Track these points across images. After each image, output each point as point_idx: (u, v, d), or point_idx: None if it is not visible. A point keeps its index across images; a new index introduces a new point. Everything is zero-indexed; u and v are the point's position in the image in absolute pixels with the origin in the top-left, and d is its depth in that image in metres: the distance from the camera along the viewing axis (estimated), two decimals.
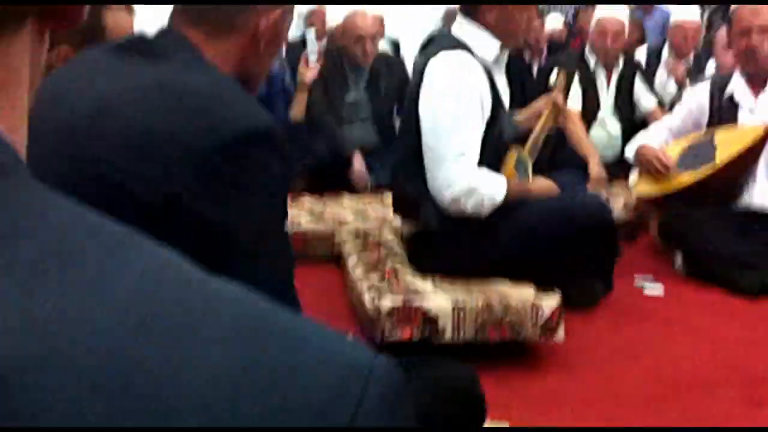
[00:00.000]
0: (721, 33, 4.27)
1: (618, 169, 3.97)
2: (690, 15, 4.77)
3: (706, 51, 4.87)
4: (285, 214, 1.14)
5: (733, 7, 3.16)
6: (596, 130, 4.36)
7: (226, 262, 1.03)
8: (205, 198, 1.01)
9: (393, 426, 0.40)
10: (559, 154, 3.94)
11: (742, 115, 3.11)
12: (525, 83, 4.96)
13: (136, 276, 0.35)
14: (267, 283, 1.09)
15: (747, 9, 3.04)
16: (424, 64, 2.36)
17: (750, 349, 2.31)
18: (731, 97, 3.14)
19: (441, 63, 2.32)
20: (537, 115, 2.64)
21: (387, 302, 2.05)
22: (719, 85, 3.21)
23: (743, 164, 3.02)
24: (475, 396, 1.46)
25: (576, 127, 4.26)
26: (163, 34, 1.13)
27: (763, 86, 3.10)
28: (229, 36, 1.18)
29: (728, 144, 3.03)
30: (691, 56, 4.74)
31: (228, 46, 1.18)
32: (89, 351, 0.32)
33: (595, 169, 4.09)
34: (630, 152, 3.44)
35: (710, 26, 4.88)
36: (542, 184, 2.47)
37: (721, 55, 4.42)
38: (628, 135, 4.17)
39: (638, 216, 3.52)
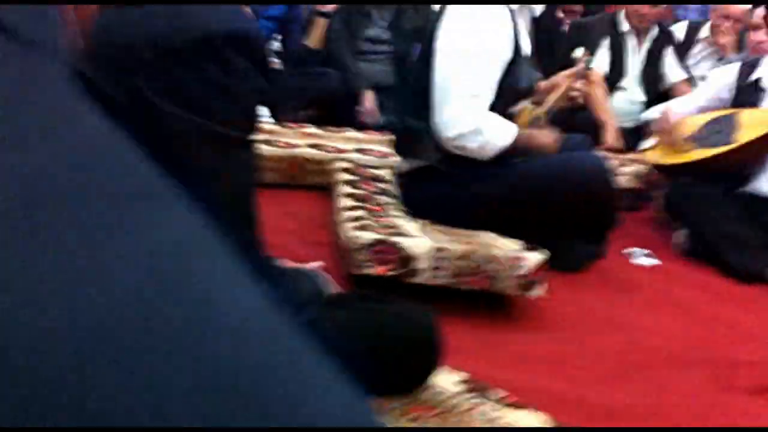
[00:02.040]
0: (757, 13, 4.12)
1: (635, 137, 3.88)
2: None
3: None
4: (250, 123, 1.11)
5: None
6: (619, 97, 4.26)
7: (178, 160, 1.01)
8: (164, 93, 0.99)
9: None
10: (577, 116, 3.87)
11: (767, 101, 3.02)
12: (553, 40, 4.84)
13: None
14: (215, 187, 1.07)
15: None
16: (447, 3, 2.31)
17: (729, 332, 2.25)
18: (758, 81, 3.05)
19: (465, 4, 2.26)
20: (554, 87, 2.57)
21: (367, 235, 2.01)
22: (747, 68, 3.12)
23: (761, 148, 2.94)
24: (429, 339, 1.43)
25: (598, 90, 4.17)
26: None
27: None
28: None
29: (751, 126, 2.95)
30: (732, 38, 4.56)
31: None
32: None
33: (610, 135, 4.02)
34: (651, 114, 3.34)
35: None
36: (547, 139, 2.40)
37: (752, 35, 4.27)
38: (650, 105, 4.08)
39: (646, 187, 3.45)
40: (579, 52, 2.63)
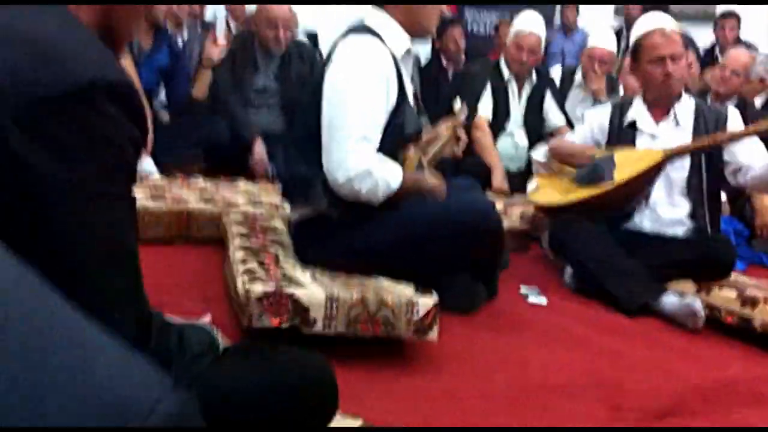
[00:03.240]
0: (626, 62, 4.36)
1: (521, 180, 4.01)
2: (605, 42, 4.81)
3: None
4: (127, 176, 1.08)
5: (639, 35, 3.15)
6: (503, 141, 4.40)
7: (50, 215, 0.98)
8: (35, 144, 0.95)
9: None
10: (464, 161, 3.96)
11: (641, 140, 3.16)
12: (440, 85, 4.97)
13: None
14: (89, 242, 1.03)
15: (659, 38, 3.05)
16: (335, 46, 2.33)
17: (616, 363, 2.34)
18: (632, 122, 3.19)
19: (350, 45, 2.30)
20: (436, 137, 2.62)
21: (258, 288, 1.99)
22: (620, 109, 3.26)
23: (639, 186, 3.08)
24: (324, 386, 1.42)
25: (483, 135, 4.30)
26: None
27: (666, 113, 3.14)
28: None
29: (627, 164, 3.08)
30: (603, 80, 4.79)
31: None
32: None
33: (498, 178, 4.15)
34: (537, 153, 3.42)
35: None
36: (436, 183, 2.44)
37: (624, 79, 4.51)
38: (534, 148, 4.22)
39: (533, 227, 3.55)
40: (457, 105, 2.71)
